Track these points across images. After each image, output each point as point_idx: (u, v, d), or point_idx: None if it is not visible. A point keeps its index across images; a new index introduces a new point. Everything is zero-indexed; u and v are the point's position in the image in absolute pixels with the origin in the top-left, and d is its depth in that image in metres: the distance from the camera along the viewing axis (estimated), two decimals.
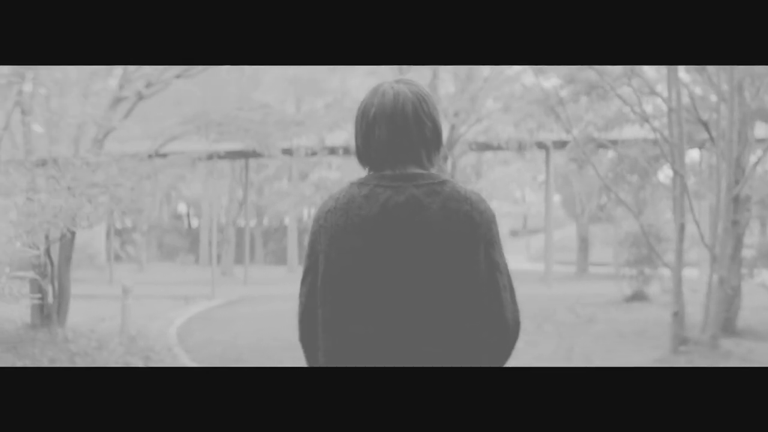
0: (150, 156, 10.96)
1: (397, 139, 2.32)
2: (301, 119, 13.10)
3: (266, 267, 37.00)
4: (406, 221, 2.25)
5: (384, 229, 2.26)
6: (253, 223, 44.97)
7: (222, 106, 11.97)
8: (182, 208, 49.71)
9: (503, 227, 54.24)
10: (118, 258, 35.73)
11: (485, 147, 18.98)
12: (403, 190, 2.28)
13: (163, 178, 38.29)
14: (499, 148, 17.75)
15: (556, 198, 40.33)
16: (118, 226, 32.79)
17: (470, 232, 2.27)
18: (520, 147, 16.17)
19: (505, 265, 2.37)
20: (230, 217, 32.16)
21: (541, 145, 19.14)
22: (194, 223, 47.25)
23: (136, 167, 9.62)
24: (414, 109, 2.34)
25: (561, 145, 18.38)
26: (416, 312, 2.24)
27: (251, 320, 15.18)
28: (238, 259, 44.53)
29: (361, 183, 2.33)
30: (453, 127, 14.72)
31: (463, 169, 33.81)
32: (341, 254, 2.28)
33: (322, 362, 2.35)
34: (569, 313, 15.08)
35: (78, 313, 15.40)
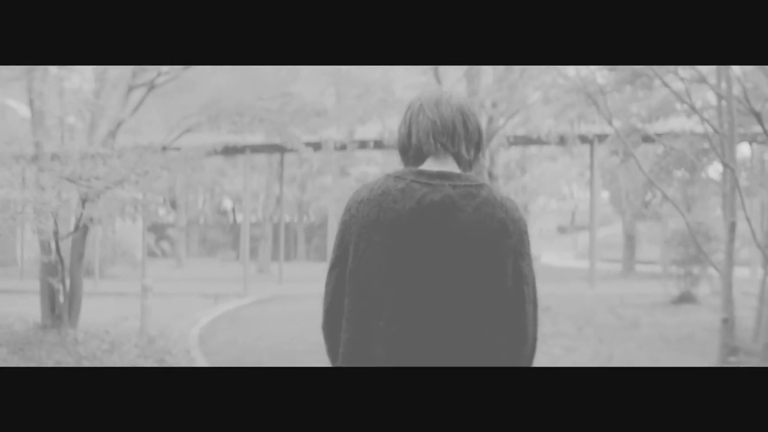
0: (164, 148, 10.40)
1: (441, 121, 2.35)
2: (323, 108, 12.36)
3: (308, 264, 36.72)
4: (439, 221, 2.24)
5: (416, 227, 2.24)
6: (295, 218, 44.96)
7: (239, 96, 11.36)
8: (228, 203, 49.60)
9: (550, 223, 54.49)
10: (154, 254, 35.59)
11: (524, 141, 18.21)
12: (439, 189, 2.26)
13: (207, 173, 38.40)
14: (539, 141, 16.96)
15: (605, 194, 39.55)
16: (148, 222, 32.43)
17: (502, 239, 2.25)
18: (562, 140, 15.35)
19: (533, 279, 2.34)
20: (267, 213, 31.60)
21: (584, 139, 18.31)
22: (239, 218, 47.01)
23: (145, 160, 9.07)
24: (459, 103, 2.39)
25: (605, 138, 17.62)
26: (438, 313, 2.23)
27: (279, 321, 14.60)
28: (278, 256, 44.85)
29: (397, 176, 2.32)
30: (491, 119, 13.90)
31: (507, 165, 33.16)
32: (370, 246, 2.27)
33: (341, 353, 2.34)
34: (611, 316, 14.28)
35: (103, 312, 15.04)
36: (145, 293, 11.72)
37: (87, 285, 19.92)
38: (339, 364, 2.35)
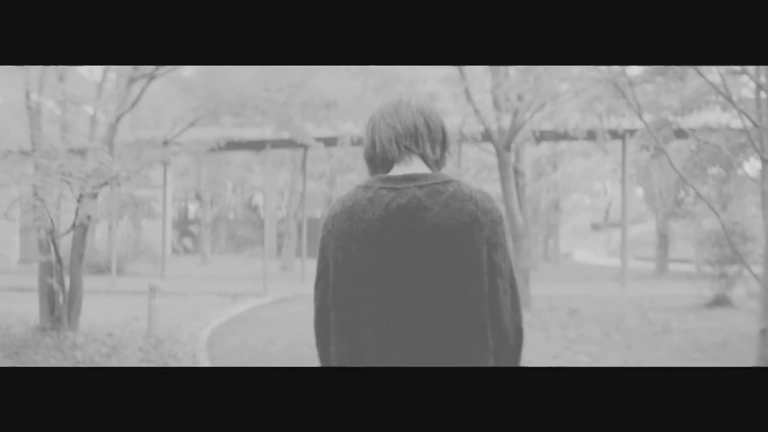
0: (166, 142, 9.90)
1: (402, 125, 2.39)
2: (332, 100, 11.68)
3: None
4: (408, 223, 2.27)
5: (387, 233, 2.28)
6: (324, 214, 44.41)
7: (242, 87, 10.80)
8: (258, 199, 49.37)
9: (584, 220, 54.05)
10: (179, 250, 35.30)
11: (552, 136, 17.51)
12: (405, 192, 2.31)
13: (234, 168, 38.07)
14: (566, 137, 16.25)
15: (639, 191, 38.78)
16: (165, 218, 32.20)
17: (474, 232, 2.27)
18: (590, 135, 14.64)
19: (509, 269, 2.36)
20: (291, 209, 31.07)
21: (615, 134, 17.60)
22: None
23: (144, 155, 8.56)
24: (419, 105, 2.44)
25: (636, 133, 16.93)
26: (420, 314, 2.25)
27: (295, 322, 14.05)
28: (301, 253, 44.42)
29: (366, 186, 2.37)
30: (516, 113, 13.23)
31: (537, 161, 32.49)
32: (348, 258, 2.31)
33: (333, 365, 2.38)
34: (642, 320, 13.60)
35: (115, 312, 14.62)
36: (153, 293, 11.24)
37: (103, 283, 19.74)
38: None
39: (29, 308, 12.80)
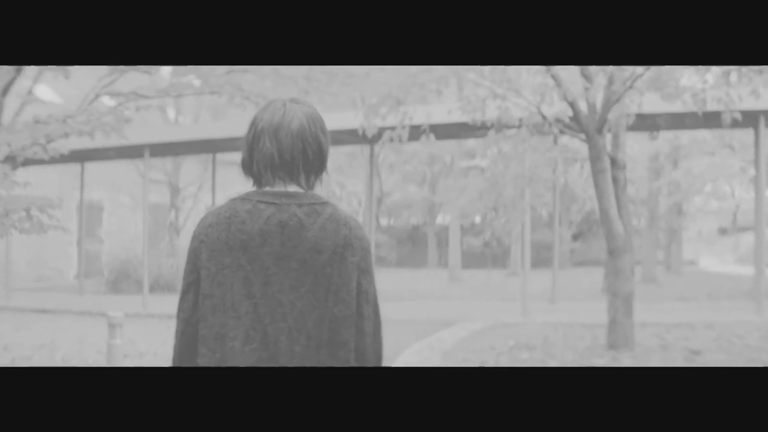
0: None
1: (279, 154, 2.41)
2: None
3: (438, 270, 34.12)
4: (288, 240, 2.35)
5: (265, 246, 2.34)
6: (426, 221, 42.39)
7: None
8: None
9: (710, 224, 50.47)
10: None
11: (664, 122, 13.89)
12: (285, 209, 2.38)
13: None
14: (681, 125, 12.66)
15: None
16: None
17: (346, 256, 2.37)
18: (713, 119, 11.05)
19: (374, 295, 2.46)
20: (371, 215, 27.83)
21: (748, 118, 13.76)
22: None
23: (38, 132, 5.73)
24: (300, 128, 2.44)
25: None
26: (288, 331, 2.31)
27: None
28: (402, 262, 41.91)
29: (243, 198, 2.42)
30: (611, 78, 9.61)
31: (654, 157, 28.86)
32: (222, 269, 2.34)
33: None
34: None
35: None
36: (113, 331, 8.27)
37: (134, 304, 17.25)
38: None
39: None
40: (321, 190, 2.54)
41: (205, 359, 2.34)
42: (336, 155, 33.32)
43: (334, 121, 11.28)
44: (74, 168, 21.79)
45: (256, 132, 2.43)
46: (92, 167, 22.09)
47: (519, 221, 17.08)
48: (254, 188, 2.45)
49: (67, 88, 14.94)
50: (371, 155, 19.51)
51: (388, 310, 13.51)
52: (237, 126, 15.99)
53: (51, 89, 22.33)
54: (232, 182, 13.65)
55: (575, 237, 38.25)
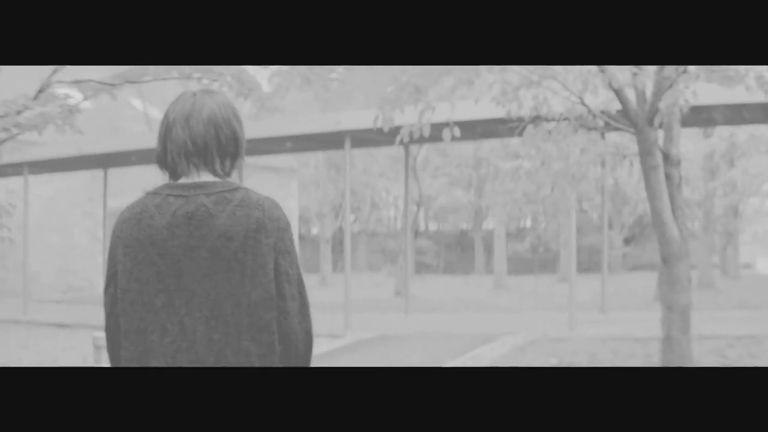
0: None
1: (192, 141, 2.40)
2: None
3: (485, 276, 33.37)
4: (194, 231, 2.33)
5: (174, 239, 2.33)
6: (471, 226, 41.61)
7: None
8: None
9: (767, 226, 49.19)
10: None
11: (719, 116, 12.69)
12: (193, 200, 2.36)
13: (371, 176, 34.81)
14: (740, 117, 11.44)
15: None
16: None
17: (260, 239, 2.34)
18: (765, 108, 9.86)
19: (297, 275, 2.41)
20: (408, 221, 26.61)
21: None
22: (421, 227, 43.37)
23: None
24: (211, 114, 2.43)
25: None
26: (205, 320, 2.31)
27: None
28: (449, 269, 41.03)
29: (154, 193, 2.41)
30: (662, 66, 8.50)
31: (709, 156, 27.50)
32: (136, 265, 2.35)
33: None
34: None
35: None
36: (99, 352, 7.39)
37: None
38: None
39: None
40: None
41: (128, 353, 2.38)
42: (378, 157, 32.53)
43: (366, 120, 10.36)
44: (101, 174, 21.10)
45: (168, 123, 2.44)
46: (117, 173, 21.33)
47: (565, 225, 15.99)
48: (169, 181, 2.45)
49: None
50: (406, 156, 18.44)
51: (427, 322, 12.37)
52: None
53: None
54: (262, 186, 12.76)
55: (627, 241, 37.24)
